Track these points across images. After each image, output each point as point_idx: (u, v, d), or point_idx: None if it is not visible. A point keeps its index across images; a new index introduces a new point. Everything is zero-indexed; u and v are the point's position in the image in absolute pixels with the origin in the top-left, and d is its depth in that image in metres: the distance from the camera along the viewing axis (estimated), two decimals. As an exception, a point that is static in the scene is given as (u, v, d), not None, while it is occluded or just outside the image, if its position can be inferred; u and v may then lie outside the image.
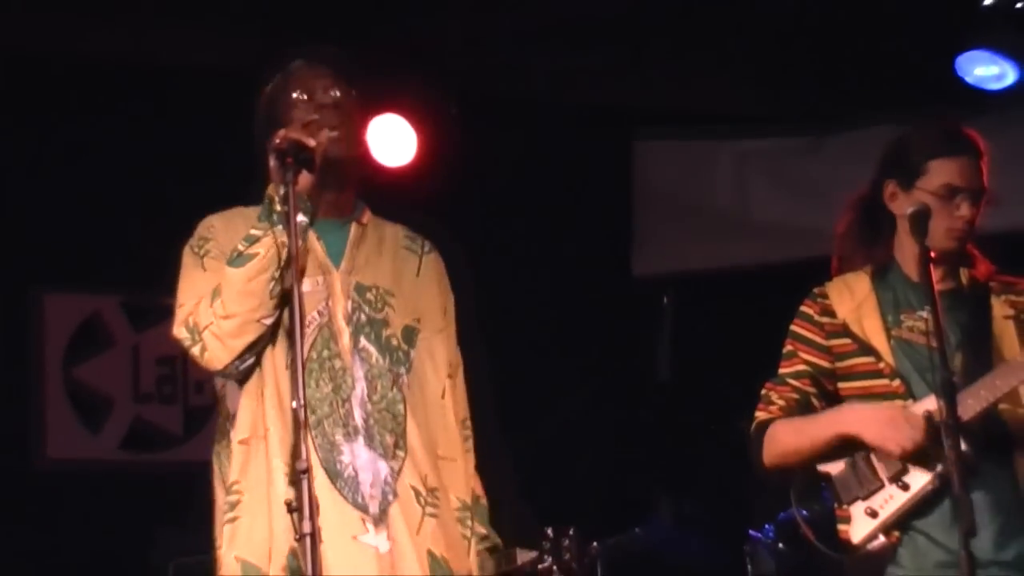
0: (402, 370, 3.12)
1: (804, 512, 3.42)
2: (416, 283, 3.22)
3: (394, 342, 3.14)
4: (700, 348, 5.67)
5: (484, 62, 5.22)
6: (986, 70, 5.31)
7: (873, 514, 3.30)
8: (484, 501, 3.26)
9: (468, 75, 5.19)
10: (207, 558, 3.45)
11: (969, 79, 5.27)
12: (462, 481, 3.21)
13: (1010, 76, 5.25)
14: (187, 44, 4.96)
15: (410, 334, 3.16)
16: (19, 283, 5.12)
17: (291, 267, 2.86)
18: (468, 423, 3.29)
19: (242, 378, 3.06)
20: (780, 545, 4.68)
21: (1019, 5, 5.10)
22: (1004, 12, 5.09)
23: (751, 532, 4.80)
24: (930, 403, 3.20)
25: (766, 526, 4.72)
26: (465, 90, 5.20)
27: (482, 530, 3.20)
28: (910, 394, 3.29)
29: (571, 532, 3.25)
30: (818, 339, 3.42)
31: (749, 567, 4.82)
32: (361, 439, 3.09)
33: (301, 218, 2.96)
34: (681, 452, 5.67)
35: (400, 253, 3.23)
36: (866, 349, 3.37)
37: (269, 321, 2.96)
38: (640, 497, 5.59)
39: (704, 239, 5.78)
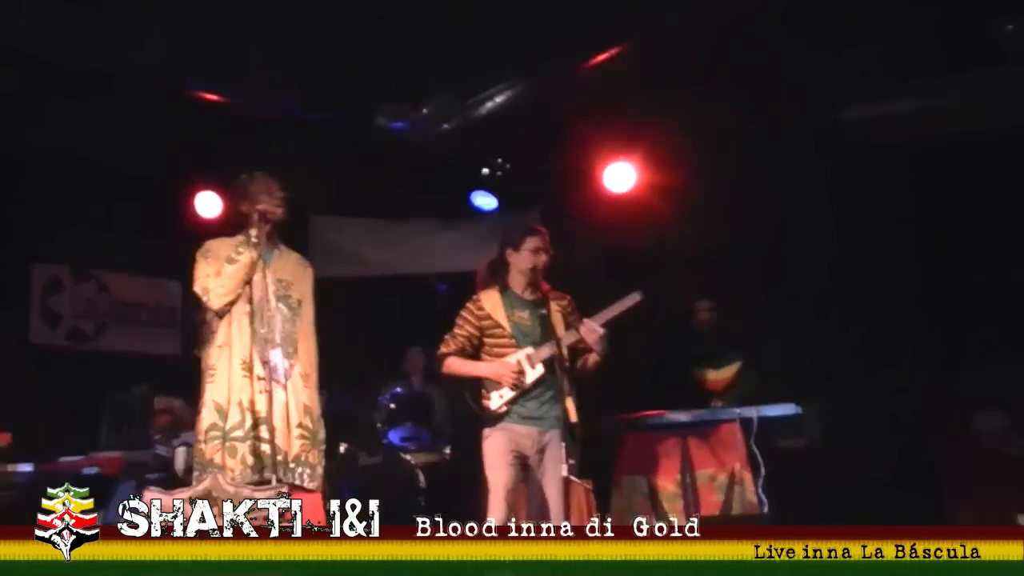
0: (295, 315, 4.28)
1: (467, 393, 4.54)
2: (302, 278, 4.42)
3: (293, 304, 4.31)
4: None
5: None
6: (484, 201, 7.59)
7: (500, 396, 4.47)
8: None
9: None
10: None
11: (476, 204, 7.58)
12: (314, 356, 4.36)
13: (495, 203, 7.54)
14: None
15: (300, 300, 4.37)
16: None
17: (253, 269, 4.13)
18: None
19: (223, 314, 4.16)
20: (391, 406, 6.55)
21: (499, 173, 7.31)
22: (491, 176, 7.43)
23: (379, 398, 6.63)
24: (528, 350, 4.40)
25: (383, 396, 6.60)
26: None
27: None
28: (517, 346, 4.45)
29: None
30: (473, 319, 4.52)
31: (375, 415, 6.51)
32: (279, 347, 4.18)
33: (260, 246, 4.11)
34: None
35: (296, 267, 4.43)
36: (498, 324, 4.47)
37: (240, 290, 4.12)
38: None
39: (343, 262, 7.79)
